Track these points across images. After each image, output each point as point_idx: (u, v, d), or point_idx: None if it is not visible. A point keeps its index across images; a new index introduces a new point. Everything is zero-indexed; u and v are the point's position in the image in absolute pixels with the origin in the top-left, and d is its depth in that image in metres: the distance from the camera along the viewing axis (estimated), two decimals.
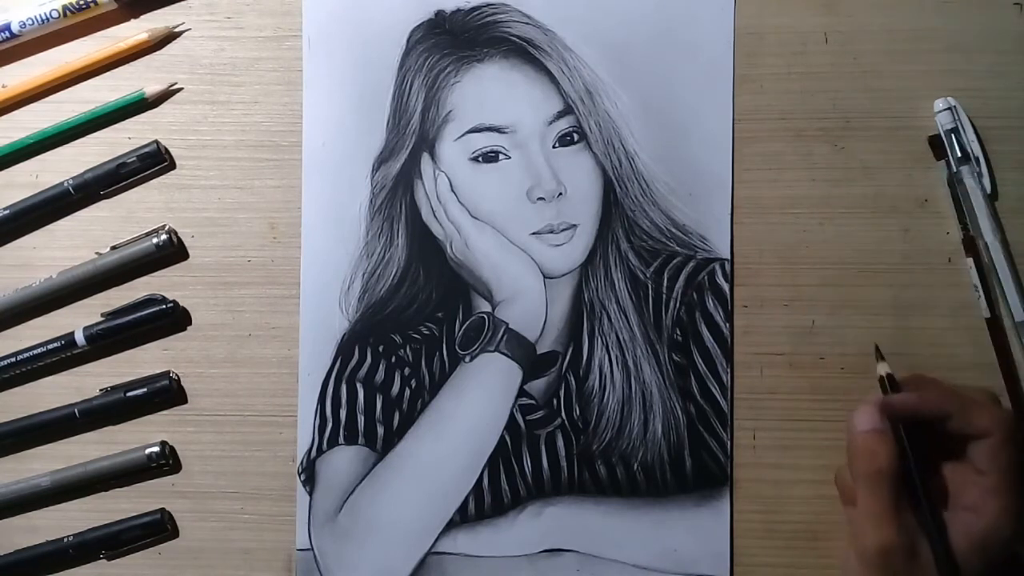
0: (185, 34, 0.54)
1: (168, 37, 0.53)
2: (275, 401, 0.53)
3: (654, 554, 0.51)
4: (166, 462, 0.52)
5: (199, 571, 0.53)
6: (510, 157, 0.52)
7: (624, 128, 0.52)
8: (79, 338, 0.52)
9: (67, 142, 0.54)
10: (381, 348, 0.52)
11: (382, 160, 0.53)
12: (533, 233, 0.52)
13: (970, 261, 0.50)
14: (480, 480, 0.52)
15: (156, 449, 0.52)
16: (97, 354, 0.53)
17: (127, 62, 0.53)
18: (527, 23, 0.52)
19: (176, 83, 0.53)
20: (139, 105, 0.53)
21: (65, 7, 0.52)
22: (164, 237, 0.52)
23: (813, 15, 0.52)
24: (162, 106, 0.53)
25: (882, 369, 0.48)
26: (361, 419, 0.52)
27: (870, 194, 0.51)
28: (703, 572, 0.51)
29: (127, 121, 0.53)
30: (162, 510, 0.53)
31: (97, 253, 0.53)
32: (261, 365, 0.53)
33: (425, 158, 0.52)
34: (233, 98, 0.53)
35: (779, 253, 0.52)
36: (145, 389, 0.52)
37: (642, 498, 0.51)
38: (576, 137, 0.52)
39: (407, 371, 0.52)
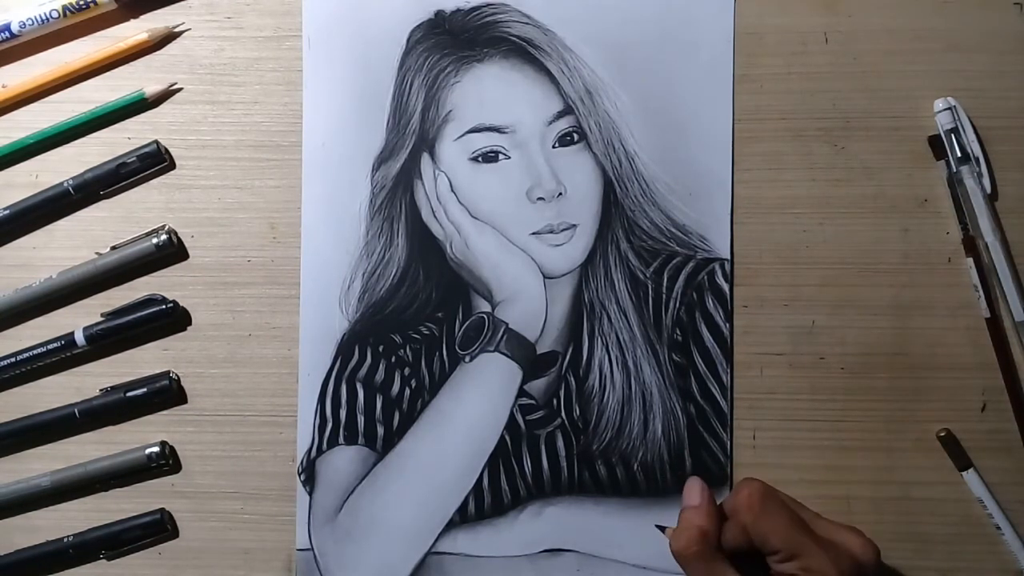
0: (185, 34, 0.54)
1: (168, 37, 0.53)
2: (275, 401, 0.53)
3: (654, 554, 0.51)
4: (166, 462, 0.52)
5: (199, 571, 0.53)
6: (510, 157, 0.52)
7: (624, 128, 0.52)
8: (79, 338, 0.52)
9: (67, 142, 0.54)
10: (381, 348, 0.52)
11: (382, 160, 0.53)
12: (533, 233, 0.52)
13: (970, 261, 0.50)
14: (480, 480, 0.52)
15: (156, 449, 0.52)
16: (97, 354, 0.53)
17: (127, 62, 0.53)
18: (527, 23, 0.52)
19: (176, 83, 0.53)
20: (139, 105, 0.53)
21: (65, 7, 0.52)
22: (164, 237, 0.52)
23: (813, 15, 0.52)
24: (162, 106, 0.53)
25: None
26: (361, 419, 0.52)
27: (870, 194, 0.51)
28: None
29: (127, 121, 0.53)
30: (162, 510, 0.53)
31: (97, 253, 0.53)
32: (261, 365, 0.53)
33: (425, 158, 0.52)
34: (233, 98, 0.53)
35: (779, 253, 0.52)
36: (145, 389, 0.52)
37: (642, 498, 0.51)
38: (576, 137, 0.52)
39: (407, 371, 0.52)
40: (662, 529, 0.48)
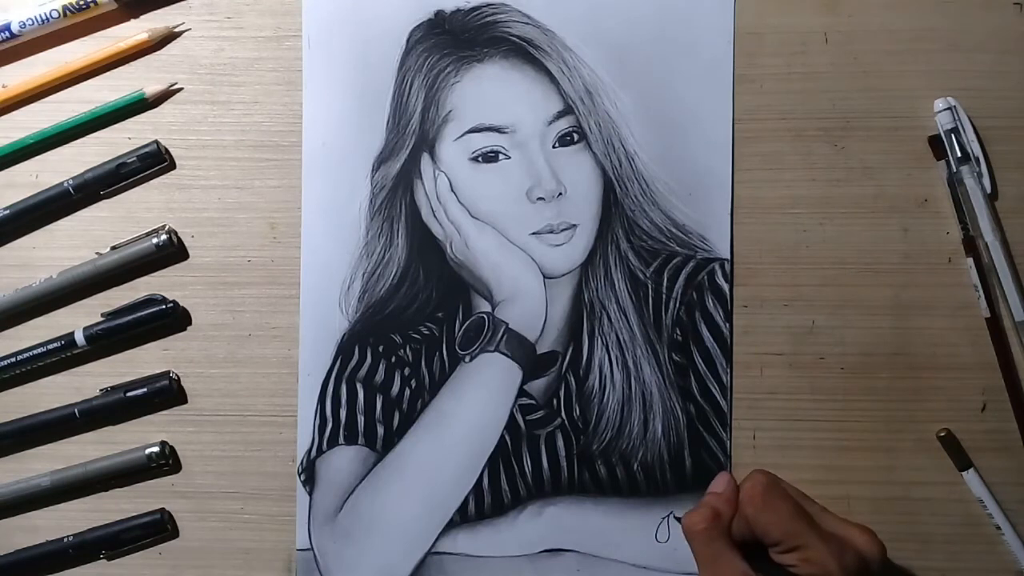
0: (185, 34, 0.54)
1: (168, 37, 0.53)
2: (275, 401, 0.53)
3: (654, 554, 0.51)
4: (166, 462, 0.52)
5: (199, 571, 0.53)
6: (510, 157, 0.52)
7: (624, 128, 0.52)
8: (79, 338, 0.52)
9: (67, 142, 0.53)
10: (381, 348, 0.52)
11: (382, 160, 0.53)
12: (533, 233, 0.52)
13: (970, 261, 0.50)
14: (480, 480, 0.52)
15: (156, 449, 0.52)
16: (97, 354, 0.53)
17: (127, 62, 0.53)
18: (527, 23, 0.52)
19: (176, 83, 0.53)
20: (139, 105, 0.53)
21: (65, 7, 0.52)
22: (164, 237, 0.52)
23: (813, 15, 0.52)
24: (162, 106, 0.53)
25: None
26: (361, 419, 0.52)
27: (870, 194, 0.51)
28: None
29: (127, 121, 0.53)
30: (162, 510, 0.53)
31: (97, 253, 0.53)
32: (261, 365, 0.53)
33: (425, 158, 0.52)
34: (233, 98, 0.53)
35: (779, 253, 0.52)
36: (145, 389, 0.52)
37: (642, 498, 0.51)
38: (576, 137, 0.52)
39: (407, 371, 0.52)
40: (679, 519, 0.49)
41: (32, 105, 0.54)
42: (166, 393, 0.52)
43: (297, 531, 0.52)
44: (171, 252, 0.53)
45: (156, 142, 0.53)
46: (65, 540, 0.53)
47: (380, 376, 0.52)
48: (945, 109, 0.50)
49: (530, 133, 0.52)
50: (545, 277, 0.52)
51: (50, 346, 0.52)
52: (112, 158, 0.53)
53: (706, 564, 0.45)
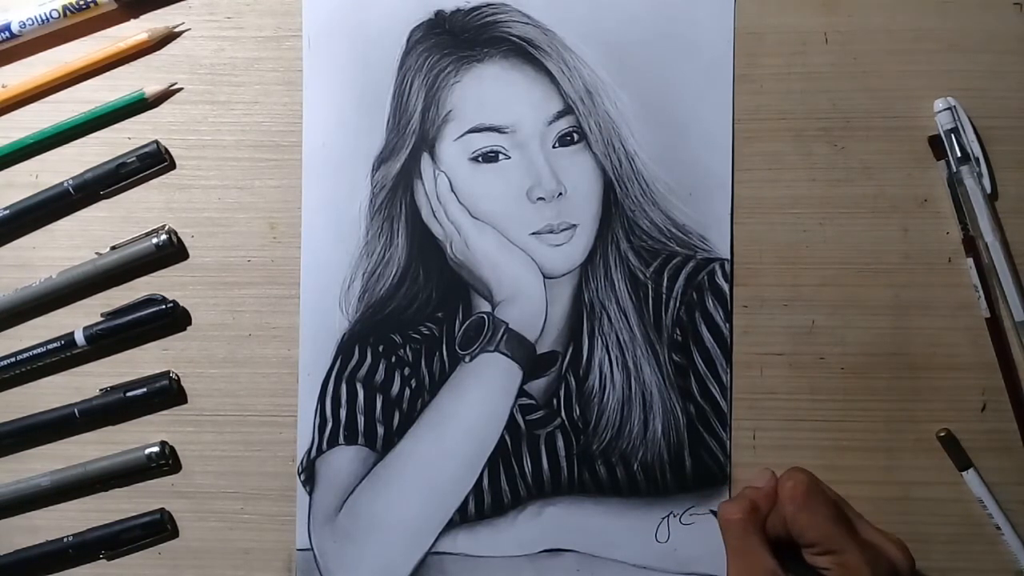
0: (185, 34, 0.54)
1: (168, 37, 0.53)
2: (275, 401, 0.53)
3: (654, 554, 0.51)
4: (166, 462, 0.52)
5: (199, 571, 0.53)
6: (510, 157, 0.52)
7: (624, 128, 0.52)
8: (79, 338, 0.52)
9: (67, 142, 0.53)
10: (381, 348, 0.52)
11: (382, 160, 0.53)
12: (533, 233, 0.52)
13: (970, 261, 0.51)
14: (480, 480, 0.52)
15: (156, 449, 0.52)
16: (97, 354, 0.53)
17: (127, 62, 0.53)
18: (527, 23, 0.52)
19: (176, 83, 0.53)
20: (139, 105, 0.53)
21: (65, 7, 0.52)
22: (164, 237, 0.52)
23: (813, 15, 0.52)
24: (162, 106, 0.53)
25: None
26: (361, 419, 0.52)
27: (870, 194, 0.51)
28: (703, 572, 0.51)
29: (127, 121, 0.53)
30: (162, 510, 0.53)
31: (97, 253, 0.53)
32: (261, 365, 0.53)
33: (425, 158, 0.52)
34: (233, 98, 0.53)
35: (779, 253, 0.52)
36: (145, 389, 0.52)
37: (642, 498, 0.51)
38: (576, 137, 0.52)
39: (407, 371, 0.52)
40: (714, 512, 0.50)
41: (32, 105, 0.54)
42: (166, 393, 0.52)
43: (297, 531, 0.52)
44: (171, 252, 0.53)
45: (156, 142, 0.53)
46: (65, 540, 0.52)
47: (380, 376, 0.52)
48: (945, 109, 0.50)
49: (530, 133, 0.52)
50: (545, 277, 0.52)
51: (50, 346, 0.52)
52: (112, 158, 0.53)
53: (736, 556, 0.45)
